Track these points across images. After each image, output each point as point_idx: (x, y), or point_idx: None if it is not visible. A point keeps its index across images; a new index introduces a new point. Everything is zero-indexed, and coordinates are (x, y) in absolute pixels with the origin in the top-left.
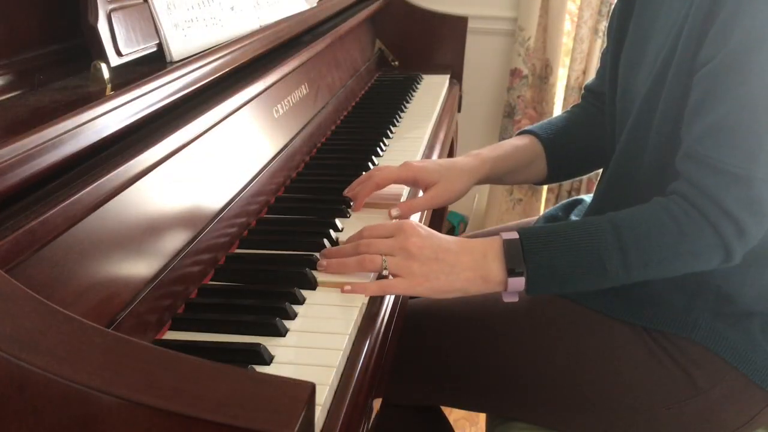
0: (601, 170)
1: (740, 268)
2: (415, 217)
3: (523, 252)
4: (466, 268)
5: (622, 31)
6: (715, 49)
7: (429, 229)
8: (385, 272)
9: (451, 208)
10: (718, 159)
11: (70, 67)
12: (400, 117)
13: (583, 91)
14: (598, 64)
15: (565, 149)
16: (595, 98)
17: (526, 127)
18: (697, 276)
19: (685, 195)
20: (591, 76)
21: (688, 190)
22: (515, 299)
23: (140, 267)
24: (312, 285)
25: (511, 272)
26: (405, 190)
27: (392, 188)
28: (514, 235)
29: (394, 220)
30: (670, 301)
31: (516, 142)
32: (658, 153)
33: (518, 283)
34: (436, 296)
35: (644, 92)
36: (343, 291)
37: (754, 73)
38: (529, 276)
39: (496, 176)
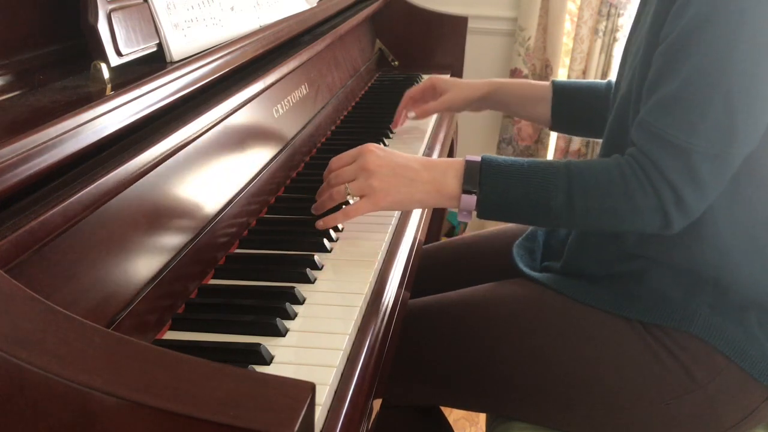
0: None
1: (734, 255)
2: (415, 217)
3: (481, 175)
4: (425, 181)
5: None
6: (672, 27)
7: (389, 150)
8: (348, 197)
9: (452, 209)
10: (662, 130)
11: (70, 67)
12: None
13: None
14: (598, 64)
15: (571, 102)
16: None
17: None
18: (693, 268)
19: (635, 158)
20: (591, 76)
21: (638, 155)
22: (469, 219)
23: (140, 267)
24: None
25: (466, 192)
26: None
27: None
28: (478, 158)
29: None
30: (667, 295)
31: (532, 81)
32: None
33: (470, 202)
34: (399, 208)
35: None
36: (317, 226)
37: (701, 49)
38: (479, 199)
39: (500, 100)
